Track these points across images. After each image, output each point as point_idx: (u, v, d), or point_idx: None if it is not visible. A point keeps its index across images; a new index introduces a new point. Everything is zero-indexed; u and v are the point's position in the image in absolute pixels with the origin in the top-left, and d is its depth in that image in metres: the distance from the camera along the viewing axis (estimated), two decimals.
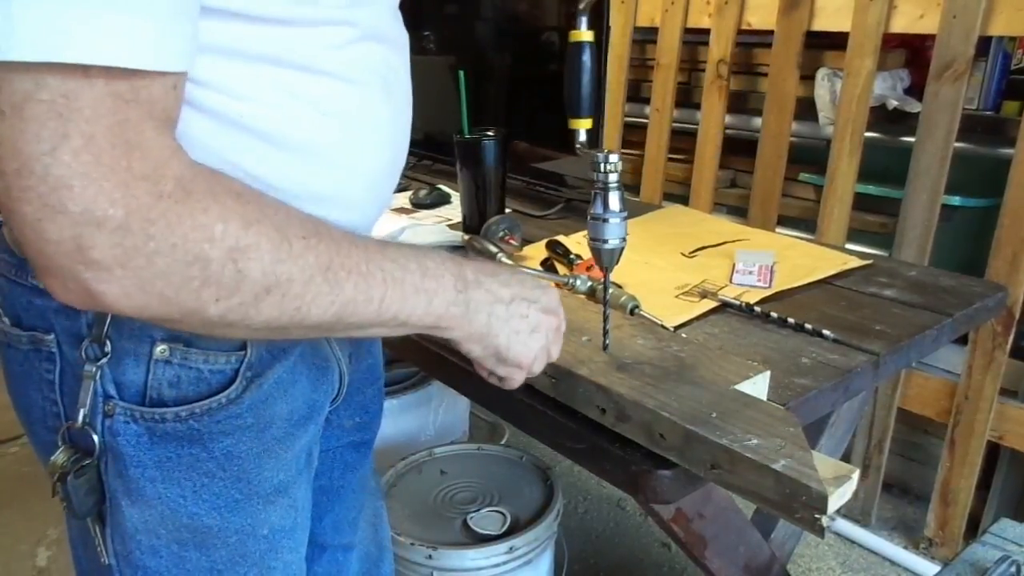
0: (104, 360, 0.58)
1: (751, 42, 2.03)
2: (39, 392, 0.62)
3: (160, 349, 0.59)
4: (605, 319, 0.82)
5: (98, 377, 0.58)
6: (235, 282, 0.47)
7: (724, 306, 1.06)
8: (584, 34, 0.76)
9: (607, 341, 0.82)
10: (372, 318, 0.55)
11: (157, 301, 0.46)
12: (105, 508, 0.63)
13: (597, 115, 0.78)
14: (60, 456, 0.60)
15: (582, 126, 0.78)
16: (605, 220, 0.75)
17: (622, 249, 0.77)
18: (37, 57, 0.40)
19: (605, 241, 0.75)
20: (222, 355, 0.61)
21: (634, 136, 2.32)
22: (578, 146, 0.78)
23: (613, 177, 0.74)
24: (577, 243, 1.28)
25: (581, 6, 0.77)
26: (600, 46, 1.40)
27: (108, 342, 0.58)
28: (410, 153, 0.77)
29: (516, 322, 0.64)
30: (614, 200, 0.74)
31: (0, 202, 0.43)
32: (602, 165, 0.73)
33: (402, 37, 0.68)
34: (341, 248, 0.52)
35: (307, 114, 0.58)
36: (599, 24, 1.45)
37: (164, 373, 0.59)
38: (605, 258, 0.77)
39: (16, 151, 0.41)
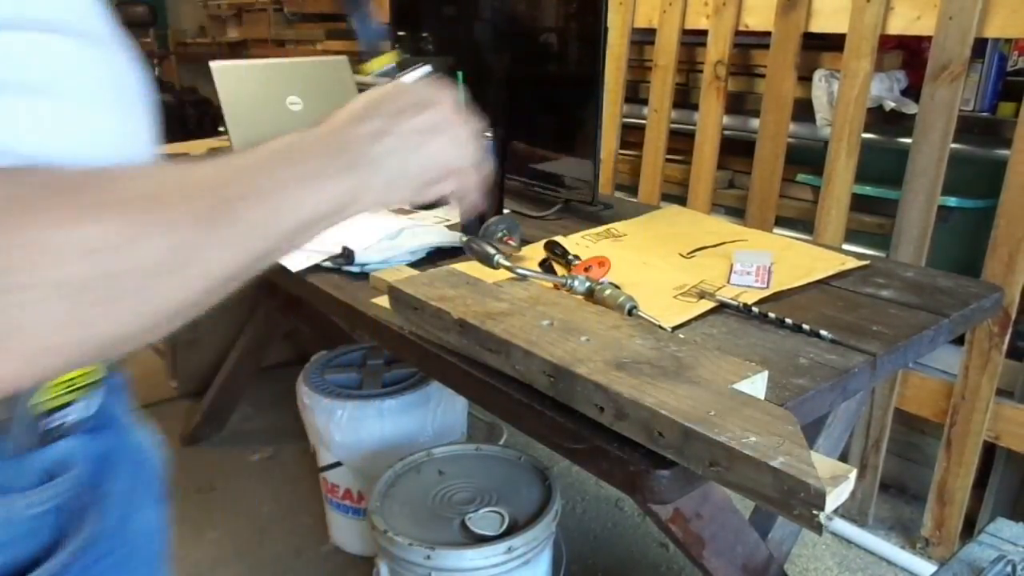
0: None
1: (749, 43, 2.03)
2: None
3: None
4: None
5: None
6: (145, 271, 0.38)
7: (722, 306, 1.06)
8: None
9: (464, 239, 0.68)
10: (284, 234, 0.45)
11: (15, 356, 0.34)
12: None
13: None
14: None
15: (370, 70, 0.68)
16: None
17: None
18: None
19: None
20: (37, 490, 0.47)
21: (632, 137, 2.32)
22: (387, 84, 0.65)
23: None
24: (575, 244, 1.28)
25: None
26: (586, 40, 1.40)
27: None
28: None
29: (413, 139, 0.54)
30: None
31: None
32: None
33: None
34: (209, 190, 0.42)
35: None
36: (595, 24, 1.46)
37: None
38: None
39: None
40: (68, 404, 0.48)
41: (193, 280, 0.40)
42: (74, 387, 0.48)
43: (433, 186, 0.57)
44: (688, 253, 1.28)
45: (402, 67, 0.68)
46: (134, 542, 0.53)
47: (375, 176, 0.51)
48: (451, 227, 1.41)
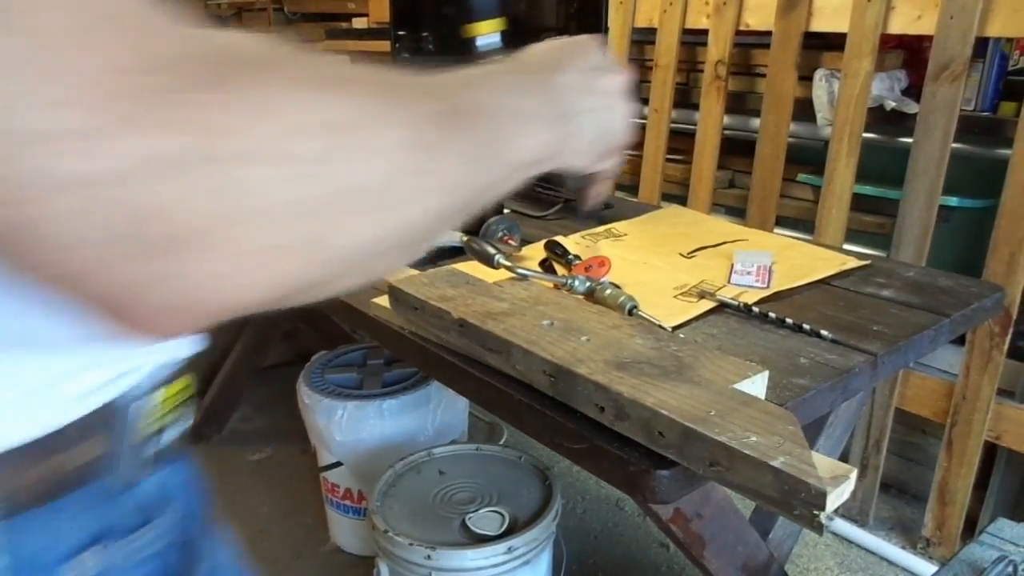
0: None
1: (749, 43, 2.03)
2: None
3: (86, 564, 0.39)
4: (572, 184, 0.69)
5: None
6: (355, 180, 0.30)
7: (722, 306, 1.06)
8: None
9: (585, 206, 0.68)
10: (498, 175, 0.40)
11: (271, 262, 0.29)
12: None
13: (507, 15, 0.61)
14: None
15: (480, 31, 0.64)
16: None
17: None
18: None
19: None
20: (141, 531, 0.42)
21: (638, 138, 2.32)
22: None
23: None
24: (575, 244, 1.28)
25: None
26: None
27: None
28: None
29: (610, 101, 0.51)
30: None
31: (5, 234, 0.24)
32: None
33: None
34: (450, 95, 0.38)
35: None
36: (595, 25, 1.46)
37: None
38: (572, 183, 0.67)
39: None
40: (165, 428, 0.43)
41: (426, 194, 0.34)
42: (174, 405, 0.43)
43: (607, 158, 0.53)
44: (688, 253, 1.28)
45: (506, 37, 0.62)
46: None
47: (579, 133, 0.48)
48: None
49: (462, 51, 0.65)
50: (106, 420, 0.39)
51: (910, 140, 1.71)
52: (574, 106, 0.47)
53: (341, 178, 0.29)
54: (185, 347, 0.44)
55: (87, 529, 0.39)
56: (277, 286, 0.29)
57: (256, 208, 0.27)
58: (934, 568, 1.73)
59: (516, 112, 0.42)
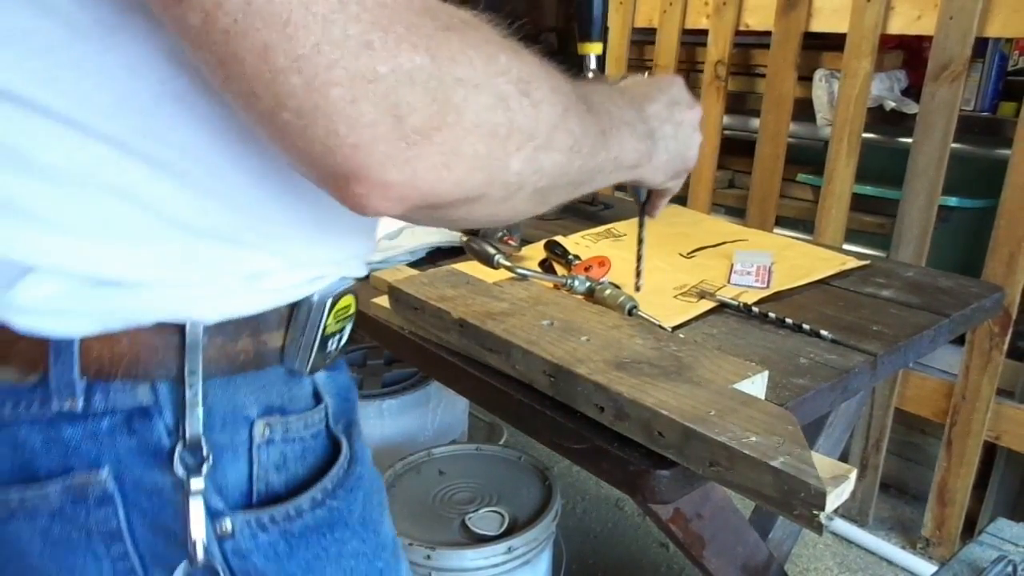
0: (207, 466, 0.45)
1: (749, 43, 2.03)
2: (89, 555, 0.46)
3: (260, 429, 0.48)
4: (639, 259, 0.80)
5: (203, 492, 0.46)
6: (533, 122, 0.42)
7: (722, 306, 1.06)
8: None
9: (640, 282, 0.81)
10: (605, 161, 0.51)
11: (471, 164, 0.39)
12: None
13: (605, 41, 0.72)
14: None
15: (593, 50, 0.74)
16: None
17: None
18: None
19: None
20: (312, 413, 0.52)
21: None
22: (590, 75, 0.75)
23: None
24: (575, 244, 1.28)
25: None
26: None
27: (203, 442, 0.46)
28: None
29: (682, 132, 0.63)
30: None
31: (290, 108, 0.35)
32: None
33: None
34: (567, 77, 0.47)
35: None
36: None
37: (268, 458, 0.49)
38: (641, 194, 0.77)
39: (308, 19, 0.33)
40: (335, 334, 0.52)
41: (570, 150, 0.45)
42: (341, 317, 0.52)
43: (679, 178, 0.65)
44: (688, 253, 1.28)
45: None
46: (372, 472, 0.56)
47: (658, 152, 0.59)
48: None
49: (573, 62, 0.75)
50: (296, 315, 0.49)
51: (910, 140, 1.71)
52: (658, 130, 0.59)
53: (524, 117, 0.41)
54: (356, 271, 0.55)
55: (271, 400, 0.49)
56: (465, 187, 0.40)
57: (467, 123, 0.38)
58: (934, 568, 1.74)
59: (622, 121, 0.53)
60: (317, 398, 0.53)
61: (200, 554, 0.46)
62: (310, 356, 0.50)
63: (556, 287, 1.05)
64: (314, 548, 0.50)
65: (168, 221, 0.43)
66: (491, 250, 1.08)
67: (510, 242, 1.26)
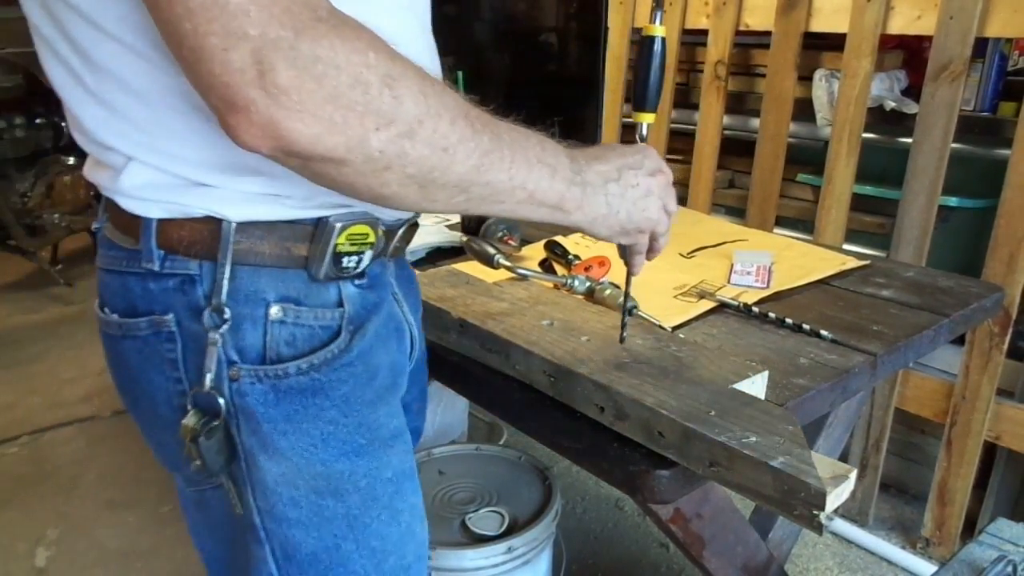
0: (225, 326, 0.62)
1: (749, 43, 2.03)
2: (161, 373, 0.65)
3: (274, 311, 0.63)
4: (624, 312, 0.84)
5: (221, 343, 0.62)
6: (392, 110, 0.51)
7: (722, 306, 1.06)
8: (656, 29, 0.76)
9: (624, 333, 0.84)
10: (504, 183, 0.59)
11: (328, 128, 0.49)
12: (237, 467, 0.66)
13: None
14: (190, 419, 0.63)
15: (645, 119, 0.78)
16: None
17: None
18: None
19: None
20: (327, 311, 0.65)
21: (632, 137, 2.31)
22: (639, 140, 0.79)
23: None
24: (575, 244, 1.28)
25: (655, 1, 0.77)
26: (586, 40, 1.40)
27: (226, 309, 0.61)
28: None
29: (630, 193, 0.69)
30: None
31: (186, 46, 0.47)
32: None
33: None
34: (470, 105, 0.57)
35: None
36: (595, 25, 1.46)
37: (280, 333, 0.63)
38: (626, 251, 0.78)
39: None
40: (351, 254, 0.65)
41: (438, 153, 0.54)
42: (356, 242, 0.65)
43: (629, 236, 0.71)
44: (688, 253, 1.28)
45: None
46: (374, 369, 0.69)
47: (590, 205, 0.66)
48: (451, 227, 1.41)
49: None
50: (316, 233, 0.63)
51: (910, 140, 1.71)
52: (592, 184, 0.65)
53: (383, 104, 0.50)
54: (379, 211, 0.66)
55: (288, 292, 0.63)
56: (323, 146, 0.50)
57: (324, 93, 0.48)
58: (934, 568, 1.74)
59: (538, 160, 0.61)
60: (340, 304, 0.66)
61: (207, 382, 0.62)
62: (322, 265, 0.63)
63: (556, 287, 1.05)
64: (295, 404, 0.64)
65: (212, 137, 0.57)
66: (491, 250, 1.08)
67: (510, 242, 1.26)
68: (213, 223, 0.61)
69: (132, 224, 0.63)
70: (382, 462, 0.71)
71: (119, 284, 0.65)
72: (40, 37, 0.60)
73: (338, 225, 0.63)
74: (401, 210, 0.62)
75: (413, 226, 0.72)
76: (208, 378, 0.62)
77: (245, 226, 0.61)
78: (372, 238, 0.66)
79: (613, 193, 0.67)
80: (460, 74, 1.35)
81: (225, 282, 0.61)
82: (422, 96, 0.52)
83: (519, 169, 0.59)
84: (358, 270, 0.66)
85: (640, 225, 0.70)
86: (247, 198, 0.61)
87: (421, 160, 0.53)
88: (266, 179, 0.60)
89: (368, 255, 0.67)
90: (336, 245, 0.64)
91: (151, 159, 0.60)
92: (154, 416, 0.69)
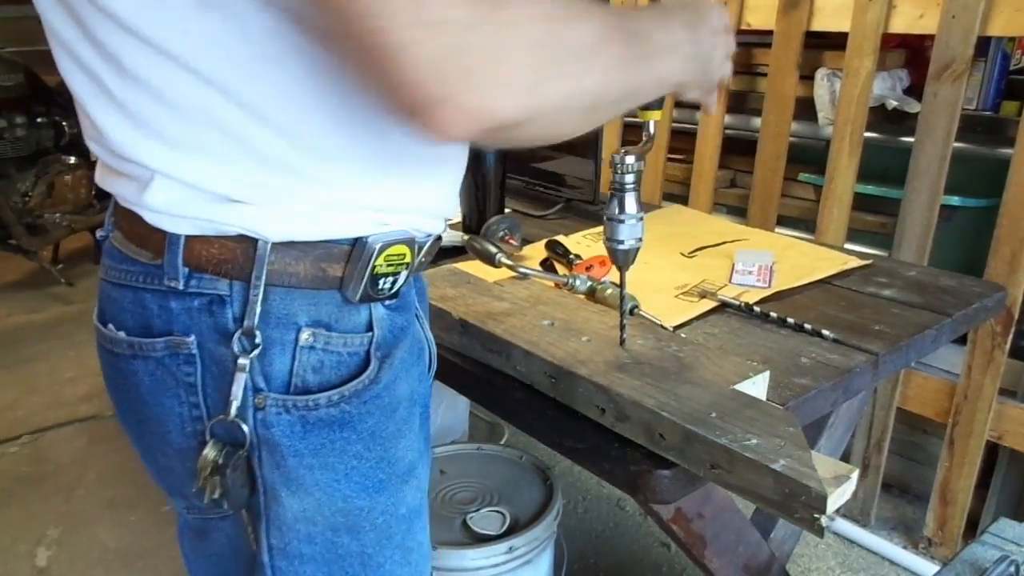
0: (255, 352, 0.59)
1: (750, 42, 2.03)
2: (175, 398, 0.62)
3: (305, 336, 0.60)
4: (622, 315, 0.83)
5: (249, 370, 0.59)
6: (572, 54, 0.50)
7: (723, 306, 1.06)
8: None
9: (624, 335, 0.83)
10: (647, 83, 0.60)
11: (528, 92, 0.48)
12: (255, 500, 0.63)
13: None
14: (211, 451, 0.61)
15: (652, 117, 0.78)
16: (621, 221, 0.75)
17: (637, 250, 0.77)
18: None
19: (620, 242, 0.76)
20: (356, 336, 0.62)
21: (634, 136, 2.32)
22: (645, 136, 0.79)
23: (629, 178, 0.75)
24: (576, 243, 1.28)
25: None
26: None
27: (257, 333, 0.58)
28: None
29: (714, 53, 0.68)
30: (630, 201, 0.75)
31: (378, 46, 0.45)
32: (618, 167, 0.74)
33: None
34: (616, 13, 0.56)
35: None
36: None
37: (309, 359, 0.61)
38: (620, 258, 0.78)
39: None
40: (387, 275, 0.62)
41: (602, 71, 0.53)
42: (393, 263, 0.62)
43: (711, 94, 0.71)
44: (689, 252, 1.28)
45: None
46: (396, 401, 0.66)
47: (700, 72, 0.66)
48: (452, 226, 1.41)
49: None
50: (354, 253, 0.60)
51: (912, 139, 1.70)
52: (700, 53, 0.65)
53: (564, 51, 0.49)
54: (424, 225, 0.65)
55: (320, 316, 0.61)
56: (523, 110, 0.48)
57: (518, 59, 0.47)
58: (936, 568, 1.73)
59: (669, 45, 0.60)
60: (369, 327, 0.63)
61: (233, 411, 0.59)
62: (360, 288, 0.61)
63: (557, 286, 1.05)
64: (322, 438, 0.62)
65: (251, 152, 0.55)
66: (493, 249, 1.08)
67: (511, 241, 1.25)
68: (247, 242, 0.58)
69: (153, 238, 0.59)
70: (398, 498, 0.68)
71: (132, 301, 0.62)
72: (57, 39, 0.58)
73: (378, 246, 0.60)
74: (556, 139, 0.58)
75: (437, 239, 0.70)
76: (234, 406, 0.59)
77: (281, 246, 0.58)
78: (409, 258, 0.64)
79: (710, 57, 0.67)
80: None
81: (258, 305, 0.58)
82: (589, 28, 0.51)
83: (658, 61, 0.59)
84: (392, 291, 0.64)
85: (718, 80, 0.71)
86: (286, 217, 0.58)
87: (595, 90, 0.53)
88: (305, 197, 0.58)
89: (403, 276, 0.64)
90: (375, 267, 0.61)
91: (179, 174, 0.57)
92: (162, 442, 0.66)
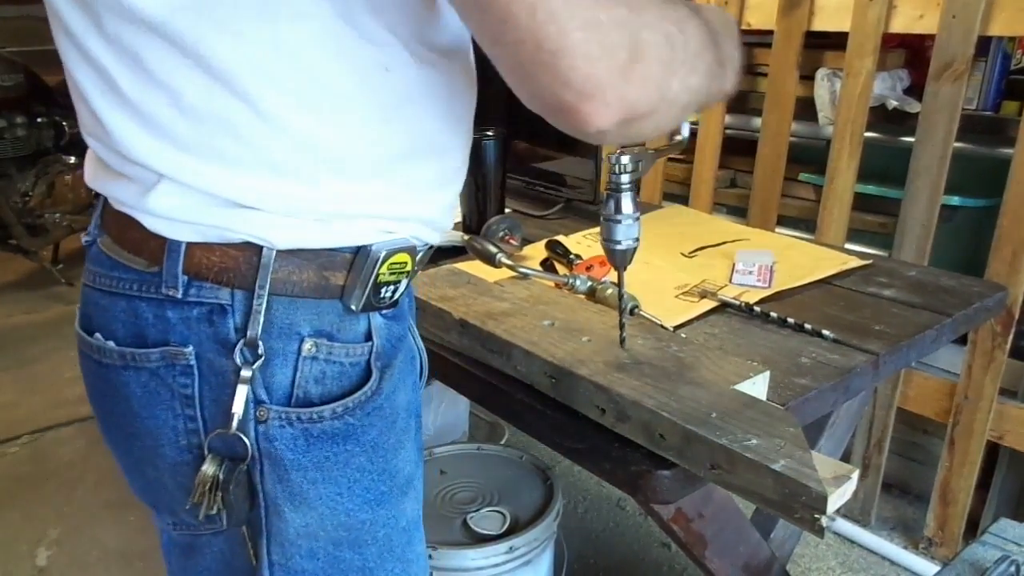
0: (259, 362, 0.57)
1: (751, 42, 2.02)
2: (170, 410, 0.60)
3: (308, 346, 0.59)
4: (621, 314, 0.83)
5: (250, 381, 0.58)
6: (684, 52, 0.53)
7: (724, 306, 1.06)
8: None
9: (624, 335, 0.83)
10: (717, 90, 0.62)
11: (653, 88, 0.51)
12: (255, 515, 0.62)
13: None
14: (210, 467, 0.59)
15: (691, 118, 0.79)
16: (617, 221, 0.75)
17: (634, 250, 0.77)
18: None
19: (617, 242, 0.76)
20: (357, 346, 0.61)
21: None
22: (679, 138, 0.81)
23: (625, 179, 0.74)
24: (577, 243, 1.28)
25: None
26: None
27: (260, 343, 0.57)
28: None
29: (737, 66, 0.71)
30: (626, 202, 0.75)
31: (552, 49, 0.47)
32: (615, 167, 0.74)
33: None
34: (712, 25, 0.60)
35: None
36: None
37: (311, 370, 0.59)
38: (617, 259, 0.77)
39: None
40: (389, 283, 0.62)
41: (705, 73, 0.56)
42: (396, 271, 0.62)
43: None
44: (690, 252, 1.28)
45: None
46: (396, 411, 0.65)
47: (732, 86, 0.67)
48: (452, 226, 1.41)
49: None
50: (357, 261, 0.59)
51: (912, 139, 1.70)
52: (735, 67, 0.67)
53: (680, 49, 0.53)
54: (423, 235, 0.64)
55: (323, 326, 0.60)
56: (650, 104, 0.51)
57: (651, 56, 0.50)
58: (936, 568, 1.73)
59: (728, 56, 0.63)
60: (368, 337, 0.62)
61: (235, 424, 0.58)
62: (363, 297, 0.60)
63: (558, 286, 1.05)
64: (326, 451, 0.61)
65: (265, 160, 0.55)
66: (493, 249, 1.08)
67: (512, 241, 1.25)
68: (250, 249, 0.57)
69: (149, 245, 0.58)
70: (399, 510, 0.68)
71: (124, 309, 0.60)
72: (64, 30, 0.55)
73: (382, 254, 0.60)
74: (659, 135, 0.62)
75: (431, 249, 0.69)
76: (236, 419, 0.57)
77: (284, 254, 0.57)
78: (410, 266, 0.63)
79: (736, 71, 0.69)
80: None
81: (261, 315, 0.57)
82: (698, 31, 0.55)
83: (728, 74, 0.63)
84: (393, 299, 0.63)
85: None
86: (294, 224, 0.57)
87: (698, 86, 0.56)
88: (315, 205, 0.57)
89: (404, 284, 0.64)
90: (379, 275, 0.60)
91: (187, 179, 0.55)
92: (154, 456, 0.63)
